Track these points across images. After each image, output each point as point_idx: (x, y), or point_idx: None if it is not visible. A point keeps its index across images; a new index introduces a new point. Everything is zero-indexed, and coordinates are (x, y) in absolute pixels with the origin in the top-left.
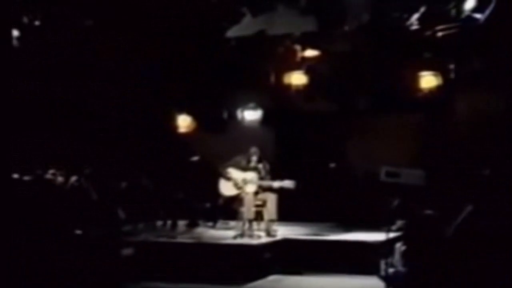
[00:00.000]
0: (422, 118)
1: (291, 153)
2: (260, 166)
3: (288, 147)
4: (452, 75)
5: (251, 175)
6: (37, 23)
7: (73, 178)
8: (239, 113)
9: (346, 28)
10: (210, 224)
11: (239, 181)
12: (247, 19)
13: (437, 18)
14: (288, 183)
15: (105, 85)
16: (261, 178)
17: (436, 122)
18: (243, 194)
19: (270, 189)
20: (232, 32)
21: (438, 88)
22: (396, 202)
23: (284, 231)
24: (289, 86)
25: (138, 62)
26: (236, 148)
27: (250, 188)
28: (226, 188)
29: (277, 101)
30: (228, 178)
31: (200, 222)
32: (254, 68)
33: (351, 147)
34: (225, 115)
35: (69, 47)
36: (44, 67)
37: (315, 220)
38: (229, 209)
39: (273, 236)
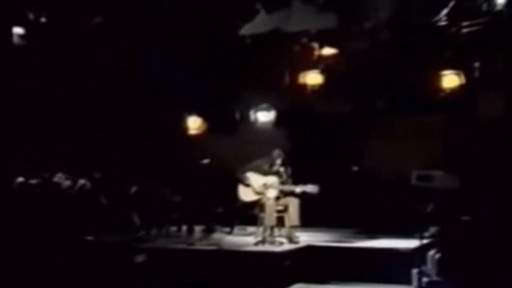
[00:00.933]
0: (444, 119)
1: (306, 156)
2: (282, 170)
3: (303, 150)
4: (476, 74)
5: (272, 180)
6: (43, 20)
7: (81, 182)
8: (251, 114)
9: (367, 25)
10: (227, 229)
11: (259, 186)
12: (261, 16)
13: (467, 13)
14: (311, 188)
15: (114, 87)
16: (282, 183)
17: (459, 123)
18: (264, 200)
19: (292, 194)
20: (245, 30)
21: (461, 87)
22: (430, 207)
23: (306, 238)
24: (304, 86)
25: (148, 61)
26: (248, 151)
27: (271, 193)
28: (246, 194)
29: (292, 102)
30: (247, 184)
31: (217, 227)
32: (268, 67)
33: (369, 150)
34: (237, 116)
35: (74, 46)
36: (48, 66)
37: (336, 226)
38: (246, 214)
39: (296, 242)
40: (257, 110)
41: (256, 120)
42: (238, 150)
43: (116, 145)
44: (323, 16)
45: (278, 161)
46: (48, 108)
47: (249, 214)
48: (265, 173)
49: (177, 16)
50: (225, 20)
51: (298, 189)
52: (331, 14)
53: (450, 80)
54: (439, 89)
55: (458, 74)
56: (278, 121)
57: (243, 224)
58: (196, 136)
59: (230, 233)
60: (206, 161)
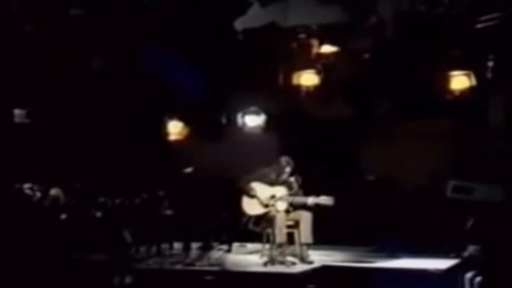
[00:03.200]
0: (453, 123)
1: (299, 165)
2: (292, 179)
3: (296, 158)
4: (489, 75)
5: (281, 191)
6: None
7: (53, 192)
8: (239, 118)
9: (373, 20)
10: (224, 247)
11: (267, 198)
12: (255, 9)
13: (480, 6)
14: (325, 200)
15: (83, 85)
16: (292, 194)
17: (469, 128)
18: (272, 213)
19: (303, 207)
20: (237, 24)
21: (471, 89)
22: (469, 223)
23: (317, 257)
24: (298, 88)
25: (122, 58)
26: (235, 159)
27: (281, 206)
28: (251, 206)
29: (284, 105)
30: (252, 196)
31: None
32: (259, 66)
33: (368, 158)
34: (223, 120)
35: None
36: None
37: (349, 243)
38: (245, 229)
39: (309, 262)
40: (245, 113)
41: (244, 124)
42: (224, 157)
43: (93, 155)
44: (325, 10)
45: (287, 170)
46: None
47: (253, 229)
48: (272, 183)
49: (158, 6)
50: (213, 13)
51: (311, 201)
52: (334, 8)
53: (460, 81)
54: (448, 91)
55: (468, 75)
56: (268, 126)
57: (241, 240)
58: (177, 143)
59: (229, 251)
60: (189, 169)
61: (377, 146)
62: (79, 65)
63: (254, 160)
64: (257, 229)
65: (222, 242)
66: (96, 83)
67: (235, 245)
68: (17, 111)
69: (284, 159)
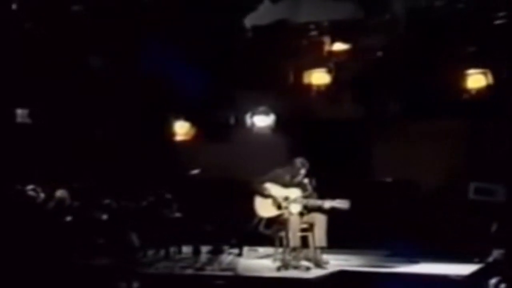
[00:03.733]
0: (469, 123)
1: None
2: (306, 181)
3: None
4: (507, 74)
5: (295, 192)
6: None
7: (59, 193)
8: (247, 118)
9: (387, 16)
10: (236, 251)
11: (280, 200)
12: (266, 5)
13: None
14: (341, 203)
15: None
16: (306, 196)
17: (486, 128)
18: (286, 216)
19: (317, 210)
20: (246, 21)
21: (488, 88)
22: (494, 226)
23: (333, 261)
24: (309, 87)
25: (124, 56)
26: (243, 160)
27: (295, 208)
28: (264, 208)
29: (294, 104)
30: (266, 196)
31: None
32: (269, 65)
33: (381, 159)
34: (231, 120)
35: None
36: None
37: (363, 247)
38: (256, 232)
39: (324, 267)
40: (254, 113)
41: (252, 125)
42: (232, 159)
43: (97, 155)
44: (338, 6)
45: (302, 171)
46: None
47: (264, 233)
48: (286, 184)
49: (164, 3)
50: (222, 9)
51: (327, 204)
52: (346, 4)
53: (476, 80)
54: (463, 90)
55: (484, 73)
56: (277, 127)
57: (250, 244)
58: (183, 143)
59: (240, 255)
60: (196, 171)
61: (390, 147)
62: (82, 64)
63: (263, 161)
64: (267, 232)
65: (232, 246)
66: (100, 83)
67: (246, 249)
68: (18, 111)
69: (299, 160)
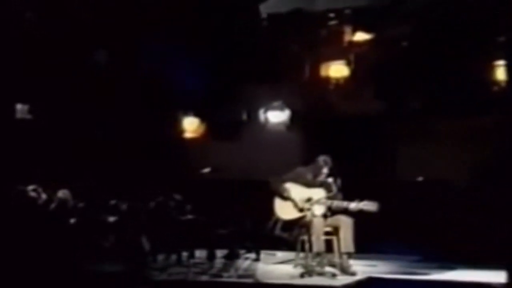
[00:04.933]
0: (498, 120)
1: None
2: (330, 181)
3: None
4: None
5: (318, 193)
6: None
7: (60, 194)
8: (261, 114)
9: (413, 4)
10: (253, 255)
11: (303, 201)
12: None
13: None
14: (368, 205)
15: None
16: (331, 197)
17: None
18: (308, 218)
19: (343, 212)
20: (262, 9)
21: None
22: None
23: (360, 267)
24: (326, 80)
25: (134, 48)
26: (257, 158)
27: (318, 210)
28: (285, 210)
29: (310, 99)
30: (285, 198)
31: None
32: (284, 57)
33: (406, 157)
34: (244, 116)
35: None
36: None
37: (392, 253)
38: (269, 235)
39: (351, 274)
40: (267, 109)
41: (266, 121)
42: (244, 157)
43: (102, 153)
44: None
45: (324, 170)
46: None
47: (281, 236)
48: (308, 184)
49: None
50: None
51: (353, 206)
52: None
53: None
54: (492, 82)
55: None
56: (293, 123)
57: (265, 248)
58: (193, 141)
59: (257, 260)
60: (206, 170)
61: (416, 144)
62: (86, 60)
63: (277, 160)
64: (284, 235)
65: (249, 250)
66: (106, 79)
67: (263, 253)
68: (18, 106)
69: (321, 158)
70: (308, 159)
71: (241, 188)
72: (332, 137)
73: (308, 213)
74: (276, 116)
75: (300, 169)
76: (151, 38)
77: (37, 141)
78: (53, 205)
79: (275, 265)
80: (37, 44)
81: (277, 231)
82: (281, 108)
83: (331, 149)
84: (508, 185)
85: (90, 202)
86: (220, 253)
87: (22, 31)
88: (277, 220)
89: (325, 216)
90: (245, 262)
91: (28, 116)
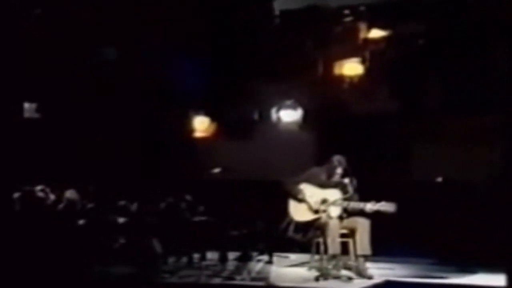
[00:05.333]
0: None
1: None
2: (346, 181)
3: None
4: None
5: (334, 194)
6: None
7: (68, 194)
8: (273, 113)
9: None
10: (265, 258)
11: (317, 203)
12: None
13: None
14: (386, 206)
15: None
16: (347, 199)
17: None
18: (323, 220)
19: (359, 214)
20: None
21: None
22: None
23: (376, 271)
24: (340, 78)
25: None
26: (268, 158)
27: (334, 212)
28: (299, 212)
29: (324, 98)
30: (300, 200)
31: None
32: (297, 54)
33: (422, 157)
34: (255, 115)
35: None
36: None
37: (409, 255)
38: (281, 237)
39: (368, 277)
40: (280, 107)
41: (278, 120)
42: (256, 157)
43: (113, 153)
44: None
45: (338, 170)
46: None
47: (293, 238)
48: (323, 185)
49: None
50: None
51: (370, 207)
52: None
53: None
54: None
55: None
56: (305, 122)
57: (277, 250)
58: (203, 140)
59: (270, 262)
60: (217, 170)
61: (433, 144)
62: (93, 58)
63: (289, 160)
64: (297, 237)
65: (261, 252)
66: (114, 78)
67: (276, 255)
68: (26, 105)
69: (336, 158)
70: (321, 159)
71: (253, 188)
72: (346, 137)
73: (323, 215)
74: (289, 115)
75: (314, 170)
76: (158, 35)
77: (45, 140)
78: (61, 206)
79: (289, 268)
80: (40, 43)
81: (290, 232)
82: (293, 107)
83: (345, 149)
84: None
85: (99, 202)
86: (232, 255)
87: (24, 30)
88: (290, 221)
89: (340, 217)
90: (258, 264)
91: (36, 115)
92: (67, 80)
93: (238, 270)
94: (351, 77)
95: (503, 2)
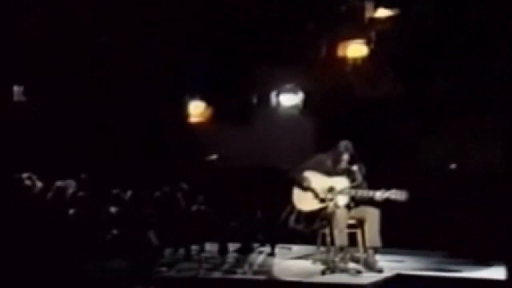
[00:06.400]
0: None
1: None
2: (355, 168)
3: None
4: None
5: (341, 182)
6: None
7: (59, 182)
8: (272, 97)
9: None
10: (266, 250)
11: (324, 191)
12: None
13: None
14: (397, 194)
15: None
16: (355, 187)
17: None
18: (330, 209)
19: (368, 203)
20: None
21: None
22: None
23: (386, 263)
24: (343, 60)
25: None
26: (267, 144)
27: (341, 201)
28: (304, 201)
29: (326, 81)
30: (306, 188)
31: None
32: (298, 35)
33: (433, 142)
34: (254, 99)
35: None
36: None
37: (420, 247)
38: (281, 228)
39: (378, 270)
40: (279, 91)
41: (278, 104)
42: (254, 143)
43: (103, 140)
44: None
45: (345, 157)
46: None
47: (295, 228)
48: (329, 172)
49: None
50: None
51: (379, 195)
52: None
53: None
54: None
55: None
56: (306, 106)
57: (277, 241)
58: (199, 125)
59: (272, 254)
60: (213, 157)
61: (442, 130)
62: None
63: (290, 146)
64: (299, 227)
65: (263, 244)
66: (106, 61)
67: (278, 247)
68: (15, 88)
69: (342, 144)
70: (324, 146)
71: (251, 176)
72: (350, 122)
73: (330, 204)
74: (289, 99)
75: (320, 156)
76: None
77: (32, 125)
78: (49, 195)
79: (292, 260)
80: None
81: (291, 223)
82: (294, 91)
83: (347, 134)
84: None
85: (91, 191)
86: (232, 246)
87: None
88: (291, 211)
89: (348, 207)
90: (259, 256)
91: (23, 99)
92: (55, 62)
93: (239, 263)
94: (355, 59)
95: None
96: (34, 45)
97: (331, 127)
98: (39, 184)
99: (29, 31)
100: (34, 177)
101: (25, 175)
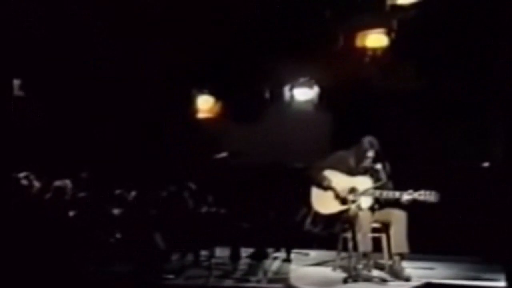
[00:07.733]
0: None
1: None
2: (378, 166)
3: (356, 139)
4: None
5: (364, 182)
6: None
7: (58, 182)
8: (286, 92)
9: None
10: (281, 255)
11: (345, 191)
12: None
13: None
14: (426, 195)
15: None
16: (379, 187)
17: None
18: (352, 212)
19: (394, 205)
20: None
21: None
22: None
23: (414, 271)
24: (362, 52)
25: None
26: (281, 141)
27: (365, 203)
28: (324, 202)
29: (343, 74)
30: (326, 187)
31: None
32: (314, 26)
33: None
34: (266, 94)
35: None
36: None
37: (452, 253)
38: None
39: (405, 279)
40: (293, 85)
41: (292, 99)
42: (267, 140)
43: (108, 136)
44: None
45: (370, 154)
46: None
47: (311, 231)
48: (351, 172)
49: None
50: None
51: (407, 196)
52: None
53: None
54: None
55: None
56: (322, 101)
57: (291, 246)
58: (207, 121)
59: (288, 260)
60: (223, 155)
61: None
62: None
63: (305, 143)
64: (316, 231)
65: (277, 249)
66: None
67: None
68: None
69: (367, 140)
70: (339, 142)
71: (263, 175)
72: (368, 117)
73: (352, 206)
74: (303, 94)
75: (341, 154)
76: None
77: (28, 121)
78: (48, 195)
79: (310, 267)
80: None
81: (307, 225)
82: (309, 85)
83: (366, 131)
84: None
85: (92, 191)
86: (244, 252)
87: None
88: (307, 213)
89: (372, 209)
90: (274, 262)
91: (20, 93)
92: (54, 57)
93: (252, 270)
94: (374, 50)
95: None
96: (33, 41)
97: (348, 123)
98: (36, 184)
99: (29, 28)
100: (31, 176)
101: (22, 174)
